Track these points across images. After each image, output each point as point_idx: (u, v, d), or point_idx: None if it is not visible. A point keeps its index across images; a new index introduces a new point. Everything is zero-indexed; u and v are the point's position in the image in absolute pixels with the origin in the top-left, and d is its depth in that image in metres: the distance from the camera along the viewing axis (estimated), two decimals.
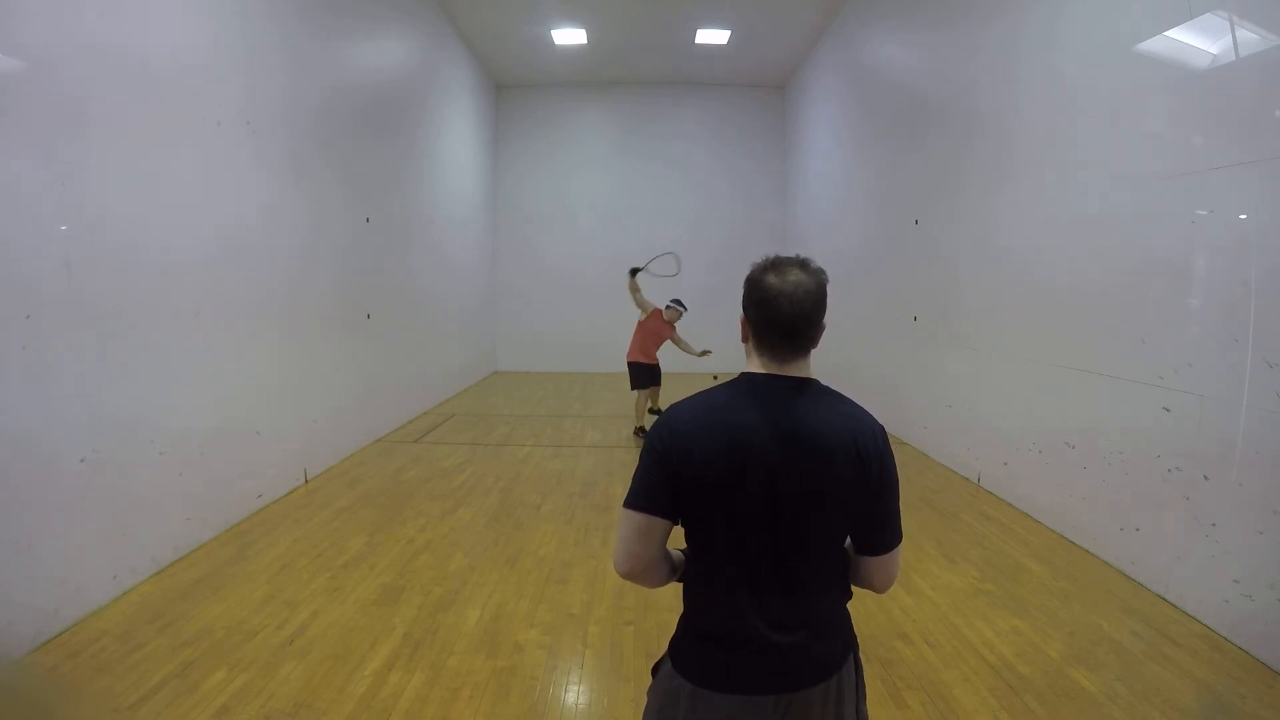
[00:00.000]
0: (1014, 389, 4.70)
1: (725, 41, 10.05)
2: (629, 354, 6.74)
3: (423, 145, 8.22)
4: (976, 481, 5.18)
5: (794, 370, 1.29)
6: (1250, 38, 2.89)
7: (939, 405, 5.84)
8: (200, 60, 3.92)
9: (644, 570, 1.32)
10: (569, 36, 9.96)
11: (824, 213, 9.86)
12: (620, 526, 1.29)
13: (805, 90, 10.85)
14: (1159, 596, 3.30)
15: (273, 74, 4.71)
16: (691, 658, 1.32)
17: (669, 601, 3.24)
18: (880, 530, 1.29)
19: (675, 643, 1.38)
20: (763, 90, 12.16)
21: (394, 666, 2.68)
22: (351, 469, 5.56)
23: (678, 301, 6.78)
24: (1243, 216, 2.92)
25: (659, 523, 1.25)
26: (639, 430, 6.74)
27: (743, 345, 1.39)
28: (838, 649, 1.31)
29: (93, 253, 3.11)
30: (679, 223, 12.30)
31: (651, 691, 1.40)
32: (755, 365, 1.34)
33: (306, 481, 5.15)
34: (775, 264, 1.30)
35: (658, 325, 6.70)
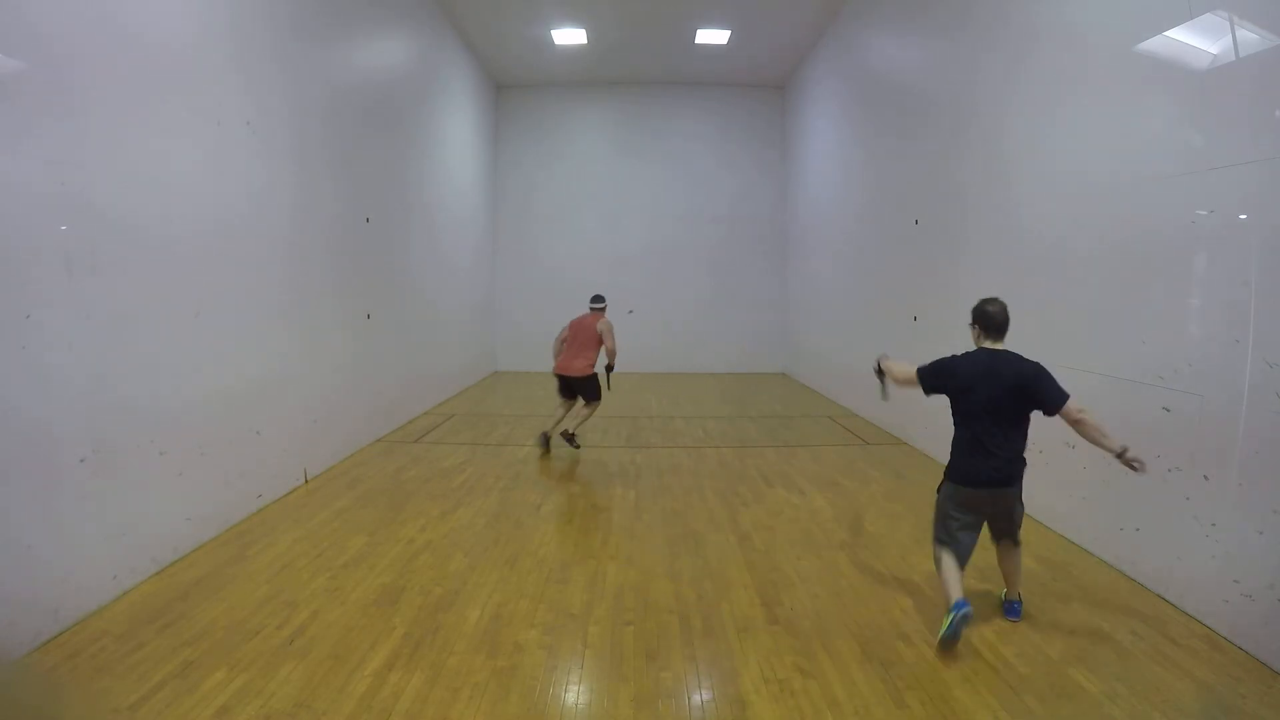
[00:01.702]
0: None
1: (725, 41, 10.05)
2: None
3: (423, 145, 8.22)
4: None
5: (997, 345, 2.99)
6: (1250, 38, 2.89)
7: (939, 405, 5.82)
8: (200, 60, 3.92)
9: (909, 380, 3.16)
10: (569, 36, 9.96)
11: (824, 212, 9.86)
12: (908, 371, 3.20)
13: (805, 90, 10.85)
14: (1159, 596, 3.30)
15: (272, 74, 4.71)
16: (953, 471, 3.03)
17: (668, 603, 3.25)
18: (1047, 401, 2.83)
19: (948, 469, 3.07)
20: (763, 90, 12.17)
21: (394, 666, 2.68)
22: (351, 469, 5.56)
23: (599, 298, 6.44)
24: (1243, 216, 2.92)
25: (925, 382, 3.10)
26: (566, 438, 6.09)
27: (973, 334, 3.07)
28: (1010, 476, 2.94)
29: (92, 253, 3.11)
30: (679, 222, 12.33)
31: (940, 493, 3.12)
32: (985, 344, 3.01)
33: (306, 481, 5.14)
34: (988, 299, 3.04)
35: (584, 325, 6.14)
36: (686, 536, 4.15)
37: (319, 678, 2.60)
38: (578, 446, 6.13)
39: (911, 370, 3.14)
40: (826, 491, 5.03)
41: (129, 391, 3.33)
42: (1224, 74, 3.02)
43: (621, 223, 12.33)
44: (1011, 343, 4.70)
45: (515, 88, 12.09)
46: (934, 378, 3.06)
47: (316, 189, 5.35)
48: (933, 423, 5.99)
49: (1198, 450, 3.11)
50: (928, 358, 6.89)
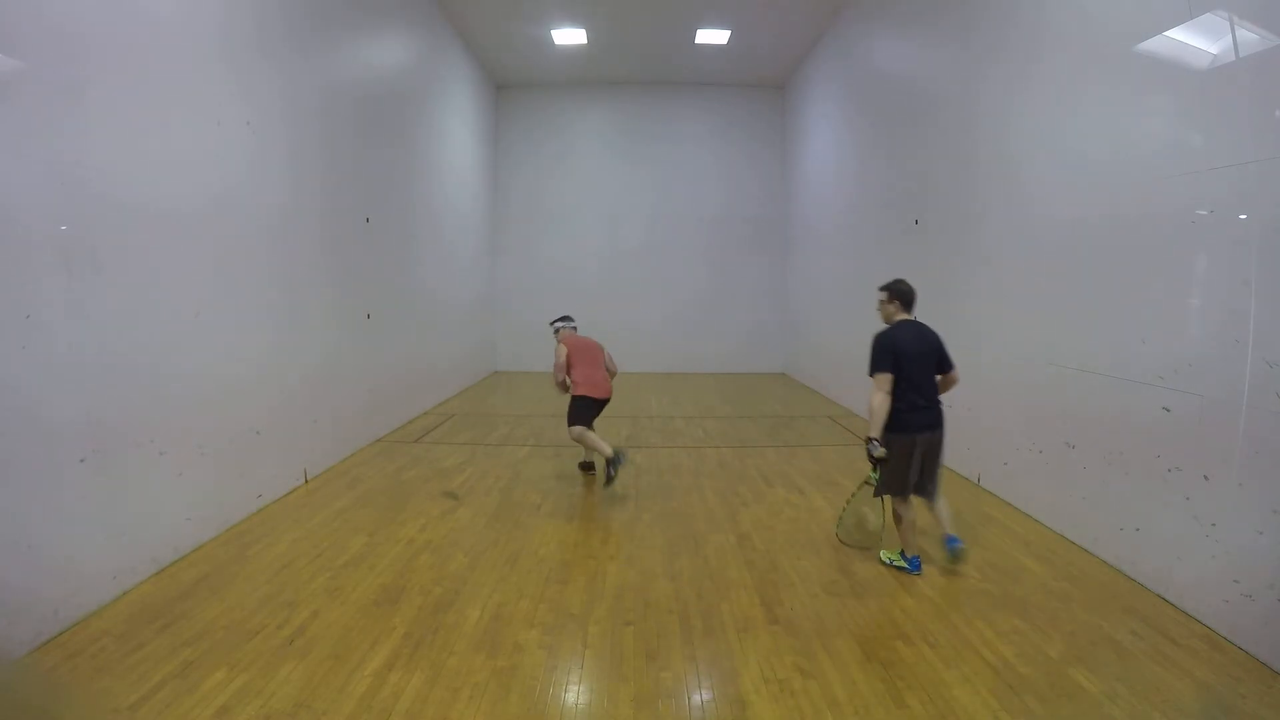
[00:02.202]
0: (1014, 389, 4.70)
1: (725, 41, 10.05)
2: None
3: (423, 145, 8.22)
4: (976, 481, 5.18)
5: (913, 315, 3.65)
6: (1250, 38, 2.89)
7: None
8: (200, 61, 3.92)
9: (888, 395, 3.45)
10: (569, 36, 9.96)
11: (824, 212, 9.86)
12: (880, 384, 3.46)
13: (805, 90, 10.85)
14: (1159, 596, 3.30)
15: (272, 75, 4.71)
16: (901, 424, 3.46)
17: (668, 603, 3.26)
18: (948, 360, 3.62)
19: (891, 423, 3.47)
20: (763, 90, 12.17)
21: (394, 666, 2.68)
22: (351, 469, 5.56)
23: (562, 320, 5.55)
24: (1243, 216, 2.92)
25: (891, 375, 3.45)
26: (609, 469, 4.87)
27: (889, 309, 3.69)
28: (940, 418, 3.55)
29: (93, 253, 3.11)
30: (679, 222, 12.33)
31: (889, 445, 3.49)
32: (901, 316, 3.63)
33: (306, 481, 5.15)
34: (899, 279, 3.72)
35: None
36: (686, 536, 4.15)
37: (319, 678, 2.60)
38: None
39: (880, 384, 3.47)
40: (826, 491, 5.03)
41: (129, 392, 3.33)
42: (1224, 74, 3.02)
43: (621, 223, 12.34)
44: (1012, 343, 4.82)
45: (515, 88, 12.09)
46: (894, 361, 3.46)
47: (316, 189, 5.34)
48: None
49: (1198, 450, 3.11)
50: None
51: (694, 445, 6.64)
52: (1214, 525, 3.01)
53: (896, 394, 3.45)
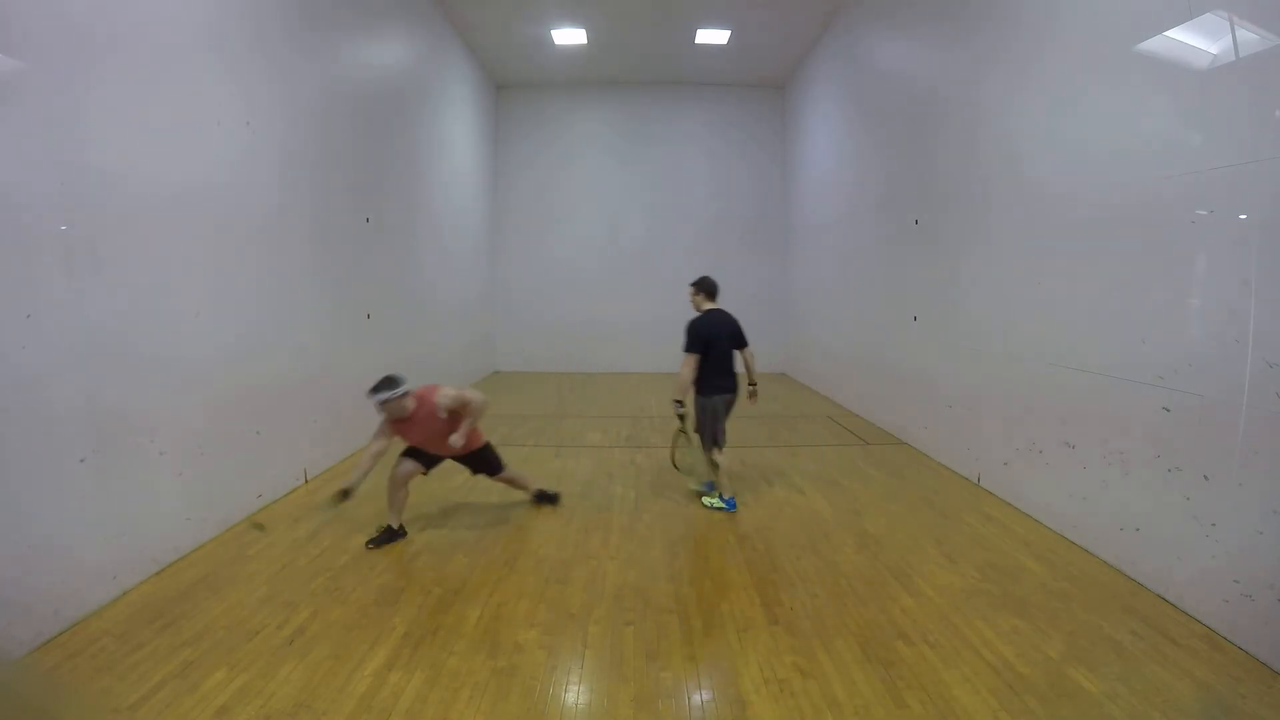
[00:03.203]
0: (1014, 389, 4.69)
1: (725, 41, 10.05)
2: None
3: (423, 145, 8.22)
4: (976, 481, 5.18)
5: (715, 305, 4.66)
6: (1250, 38, 2.89)
7: (939, 405, 5.84)
8: (201, 62, 3.92)
9: (694, 371, 4.50)
10: (569, 36, 9.96)
11: (824, 212, 9.87)
12: (689, 362, 4.50)
13: (805, 90, 10.85)
14: (1159, 596, 3.30)
15: (273, 75, 4.71)
16: (710, 389, 4.55)
17: (669, 604, 3.26)
18: (741, 341, 4.64)
19: (700, 389, 4.58)
20: (763, 90, 12.16)
21: (394, 666, 2.69)
22: (351, 469, 5.54)
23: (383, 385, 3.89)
24: (1243, 216, 2.92)
25: (699, 355, 4.49)
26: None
27: (698, 300, 4.68)
28: (735, 384, 4.65)
29: (93, 253, 3.11)
30: (678, 222, 12.33)
31: (704, 411, 4.60)
32: (708, 306, 4.65)
33: (306, 481, 5.14)
34: (706, 276, 4.75)
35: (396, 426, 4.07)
36: (686, 536, 4.15)
37: (319, 678, 2.60)
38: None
39: (690, 362, 4.49)
40: (827, 491, 5.03)
41: (129, 392, 3.33)
42: (1224, 74, 3.02)
43: (622, 222, 12.33)
44: (1011, 342, 4.84)
45: (515, 88, 12.09)
46: (704, 345, 4.46)
47: (315, 189, 5.34)
48: (933, 421, 6.01)
49: (1198, 450, 3.11)
50: (929, 355, 6.85)
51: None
52: (1214, 525, 3.01)
53: (706, 367, 4.48)
